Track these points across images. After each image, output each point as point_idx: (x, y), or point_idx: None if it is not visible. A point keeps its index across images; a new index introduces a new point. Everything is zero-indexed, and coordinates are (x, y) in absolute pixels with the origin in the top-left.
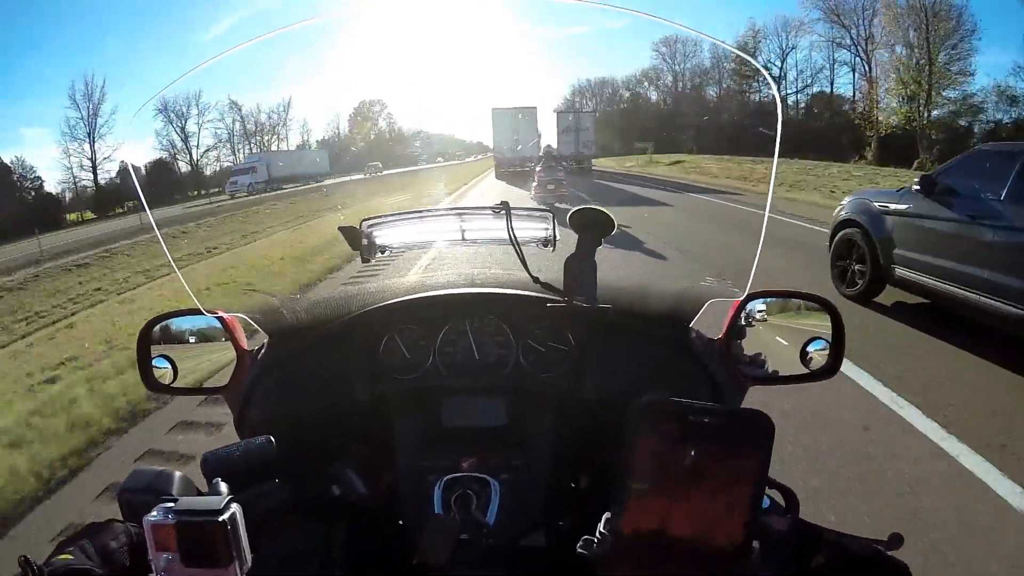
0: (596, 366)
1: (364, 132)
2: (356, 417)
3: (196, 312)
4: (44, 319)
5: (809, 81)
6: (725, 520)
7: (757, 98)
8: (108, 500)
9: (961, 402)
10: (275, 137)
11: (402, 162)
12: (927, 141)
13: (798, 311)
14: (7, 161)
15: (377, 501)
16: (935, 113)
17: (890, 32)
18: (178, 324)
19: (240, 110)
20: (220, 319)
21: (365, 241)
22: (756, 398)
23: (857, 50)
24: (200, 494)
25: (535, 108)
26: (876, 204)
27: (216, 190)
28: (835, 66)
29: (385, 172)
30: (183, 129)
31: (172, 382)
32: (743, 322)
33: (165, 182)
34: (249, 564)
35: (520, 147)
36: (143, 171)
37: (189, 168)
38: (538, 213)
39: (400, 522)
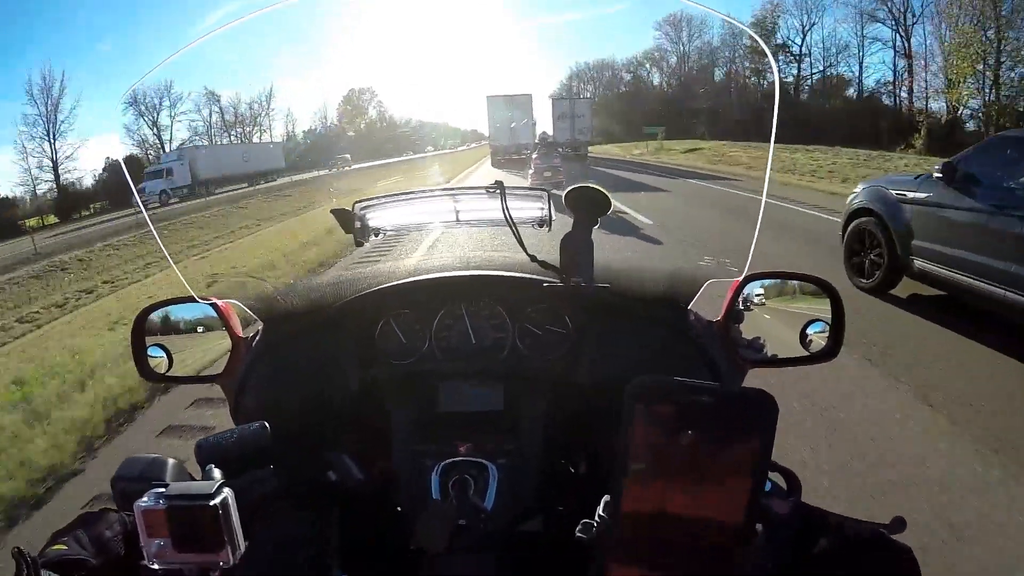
0: (594, 349)
1: (353, 121)
2: (352, 402)
3: (190, 300)
4: None
5: (833, 60)
6: (727, 503)
7: (776, 78)
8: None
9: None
10: (258, 128)
11: (390, 152)
12: (992, 127)
13: (797, 293)
14: None
15: (373, 487)
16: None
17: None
18: (172, 312)
19: (219, 100)
20: (214, 306)
21: (358, 224)
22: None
23: (896, 25)
24: (195, 481)
25: (530, 95)
26: (893, 192)
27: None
28: (864, 43)
29: (363, 165)
30: (155, 123)
31: (167, 371)
32: (742, 305)
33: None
34: (242, 550)
35: (516, 135)
36: (102, 173)
37: None
38: (533, 193)
39: (397, 508)
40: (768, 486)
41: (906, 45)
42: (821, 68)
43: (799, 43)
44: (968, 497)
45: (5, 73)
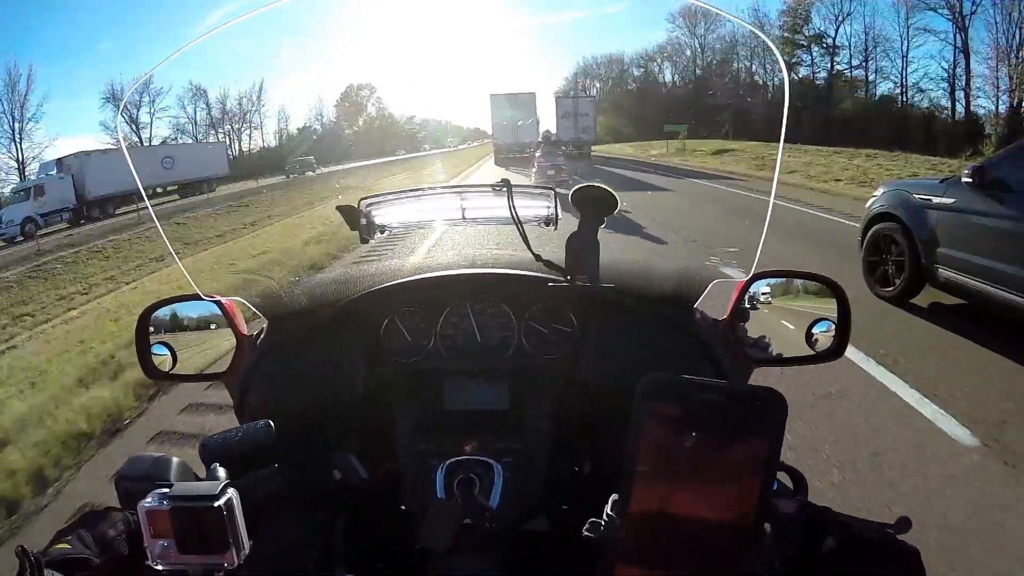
0: (599, 347)
1: (352, 118)
2: (356, 401)
3: (195, 298)
4: None
5: (871, 54)
6: (736, 502)
7: (808, 72)
8: None
9: None
10: (247, 125)
11: (389, 151)
12: None
13: (802, 292)
14: None
15: (378, 486)
16: None
17: None
18: (177, 310)
19: (206, 95)
20: (219, 304)
21: (364, 221)
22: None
23: (953, 16)
24: (199, 480)
25: (534, 93)
26: (917, 197)
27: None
28: (909, 33)
29: (334, 168)
30: (134, 119)
31: (171, 369)
32: (747, 304)
33: None
34: (247, 550)
35: (520, 133)
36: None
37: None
38: (539, 191)
39: (402, 507)
40: (775, 485)
41: (962, 39)
42: (860, 61)
43: (832, 35)
44: None
45: None
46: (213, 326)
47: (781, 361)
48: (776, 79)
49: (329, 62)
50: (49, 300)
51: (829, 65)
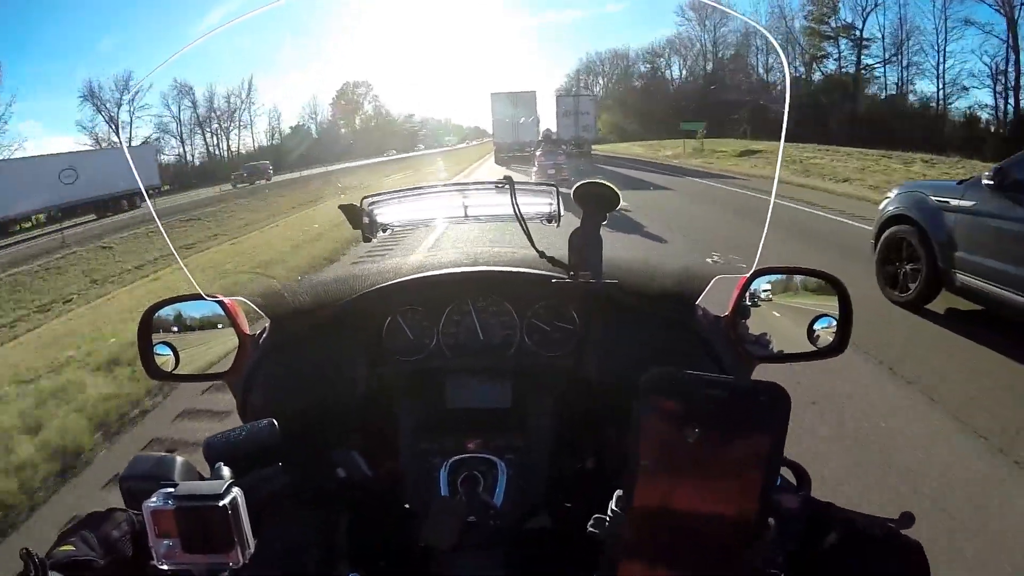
0: (601, 344)
1: (348, 116)
2: (359, 400)
3: (197, 297)
4: None
5: (903, 47)
6: (740, 498)
7: (837, 66)
8: None
9: None
10: (236, 125)
11: (387, 150)
12: None
13: (803, 289)
14: None
15: (381, 484)
16: None
17: None
18: (179, 310)
19: (192, 93)
20: (221, 304)
21: (366, 219)
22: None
23: (1002, 6)
24: (203, 479)
25: (534, 92)
26: (934, 199)
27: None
28: (947, 25)
29: (292, 175)
30: (113, 119)
31: (174, 369)
32: (749, 301)
33: None
34: (251, 549)
35: (520, 132)
36: None
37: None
38: (542, 188)
39: (406, 505)
40: (778, 481)
41: (1010, 37)
42: (892, 55)
43: (860, 26)
44: None
45: None
46: (217, 326)
47: (783, 357)
48: (799, 72)
49: (327, 61)
50: None
51: (856, 59)
